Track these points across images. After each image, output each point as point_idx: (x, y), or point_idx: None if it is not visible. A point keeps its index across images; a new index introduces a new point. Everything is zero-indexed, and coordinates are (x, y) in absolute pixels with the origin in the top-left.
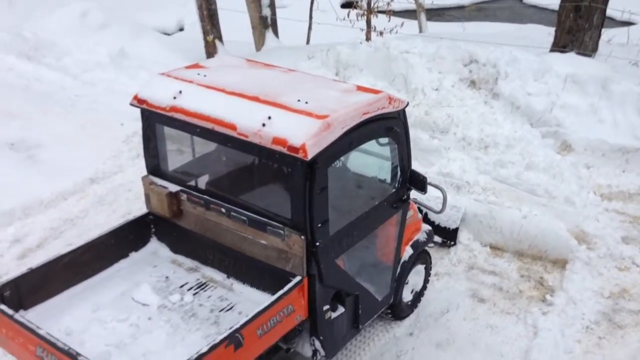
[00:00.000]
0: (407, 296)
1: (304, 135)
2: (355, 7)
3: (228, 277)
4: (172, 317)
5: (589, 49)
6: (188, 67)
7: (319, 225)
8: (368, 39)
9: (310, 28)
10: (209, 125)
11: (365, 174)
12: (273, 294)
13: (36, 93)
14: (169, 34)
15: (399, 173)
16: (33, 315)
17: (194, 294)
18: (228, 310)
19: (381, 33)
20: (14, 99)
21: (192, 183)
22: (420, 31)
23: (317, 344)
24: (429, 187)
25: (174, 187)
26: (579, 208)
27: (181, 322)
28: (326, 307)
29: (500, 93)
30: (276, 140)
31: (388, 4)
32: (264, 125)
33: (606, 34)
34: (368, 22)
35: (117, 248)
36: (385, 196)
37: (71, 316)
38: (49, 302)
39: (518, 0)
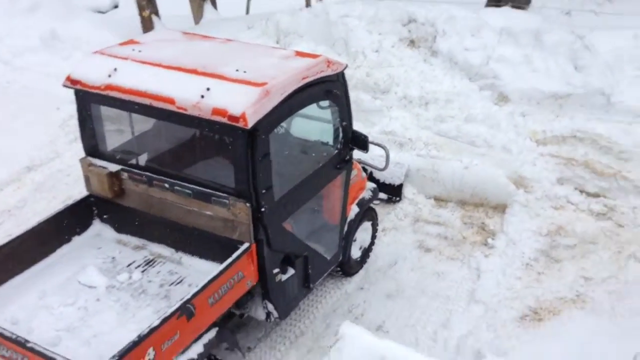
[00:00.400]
0: (355, 253)
1: (243, 104)
2: None
3: (176, 251)
4: (122, 296)
5: (522, 1)
6: (122, 44)
7: (264, 191)
8: (308, 5)
9: None
10: (147, 101)
11: (308, 138)
12: (222, 263)
13: None
14: (103, 12)
15: (340, 134)
16: None
17: (142, 271)
18: (178, 283)
19: None
20: None
21: (133, 161)
22: None
23: (270, 307)
24: (372, 146)
25: (114, 167)
26: (516, 155)
27: (131, 300)
28: (276, 270)
29: (438, 50)
30: (216, 111)
31: None
32: (202, 97)
33: None
34: None
35: (59, 233)
36: (328, 158)
37: (16, 305)
38: None
39: None
